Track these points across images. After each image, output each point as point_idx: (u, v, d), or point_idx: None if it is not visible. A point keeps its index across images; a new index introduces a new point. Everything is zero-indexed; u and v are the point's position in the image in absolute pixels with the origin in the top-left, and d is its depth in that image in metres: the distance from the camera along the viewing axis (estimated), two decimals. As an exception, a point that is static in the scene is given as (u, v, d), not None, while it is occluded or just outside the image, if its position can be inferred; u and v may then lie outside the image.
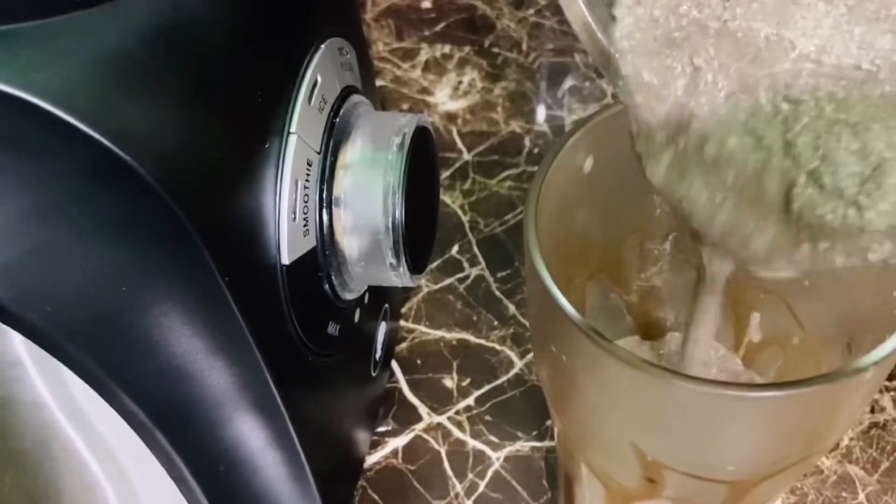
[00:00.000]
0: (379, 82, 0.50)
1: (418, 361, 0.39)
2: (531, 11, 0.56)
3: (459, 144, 0.48)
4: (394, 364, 0.39)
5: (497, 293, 0.41)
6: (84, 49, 0.21)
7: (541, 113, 0.50)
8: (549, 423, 0.37)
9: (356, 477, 0.35)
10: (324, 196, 0.27)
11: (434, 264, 0.42)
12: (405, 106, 0.50)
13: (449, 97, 0.50)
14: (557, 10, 0.52)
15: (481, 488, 0.35)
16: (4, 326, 0.22)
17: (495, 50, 0.53)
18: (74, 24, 0.21)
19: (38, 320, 0.21)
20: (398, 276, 0.28)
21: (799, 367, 0.28)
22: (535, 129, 0.49)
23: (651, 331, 0.32)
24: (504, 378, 0.39)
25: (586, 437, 0.26)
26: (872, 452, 0.36)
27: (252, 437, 0.25)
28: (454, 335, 0.40)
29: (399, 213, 0.27)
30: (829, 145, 0.19)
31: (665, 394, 0.22)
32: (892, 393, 0.38)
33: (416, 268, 0.28)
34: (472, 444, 0.37)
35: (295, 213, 0.25)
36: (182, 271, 0.22)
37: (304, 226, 0.26)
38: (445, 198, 0.45)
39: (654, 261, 0.30)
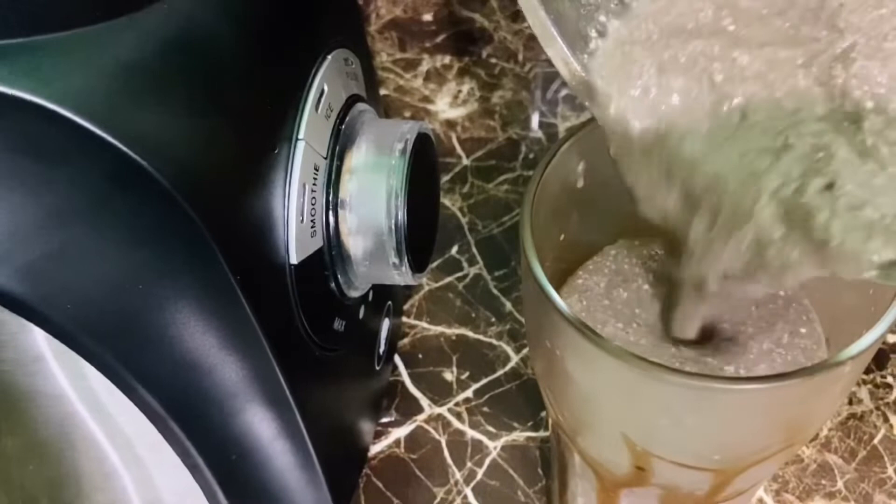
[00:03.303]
0: (382, 91, 0.50)
1: (420, 356, 0.39)
2: (527, 24, 0.56)
3: (459, 150, 0.48)
4: (396, 358, 0.39)
5: (494, 291, 0.41)
6: (103, 59, 0.21)
7: (536, 120, 0.50)
8: (543, 414, 0.37)
9: (361, 465, 0.35)
10: (330, 199, 0.27)
11: (435, 264, 0.42)
12: (407, 114, 0.50)
13: (449, 105, 0.50)
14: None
15: (479, 476, 0.35)
16: (28, 323, 0.22)
17: (493, 60, 0.53)
18: (94, 35, 0.21)
19: (59, 317, 0.21)
20: (401, 275, 0.28)
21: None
22: (530, 136, 0.49)
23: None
24: (501, 371, 0.39)
25: (579, 427, 0.26)
26: (850, 442, 0.36)
27: (262, 428, 0.25)
28: (454, 331, 0.40)
29: (401, 215, 0.27)
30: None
31: (653, 386, 0.22)
32: (869, 385, 0.38)
33: (417, 267, 0.28)
34: (471, 434, 0.37)
35: (303, 215, 0.25)
36: (196, 270, 0.22)
37: (312, 227, 0.26)
38: (445, 201, 0.45)
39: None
